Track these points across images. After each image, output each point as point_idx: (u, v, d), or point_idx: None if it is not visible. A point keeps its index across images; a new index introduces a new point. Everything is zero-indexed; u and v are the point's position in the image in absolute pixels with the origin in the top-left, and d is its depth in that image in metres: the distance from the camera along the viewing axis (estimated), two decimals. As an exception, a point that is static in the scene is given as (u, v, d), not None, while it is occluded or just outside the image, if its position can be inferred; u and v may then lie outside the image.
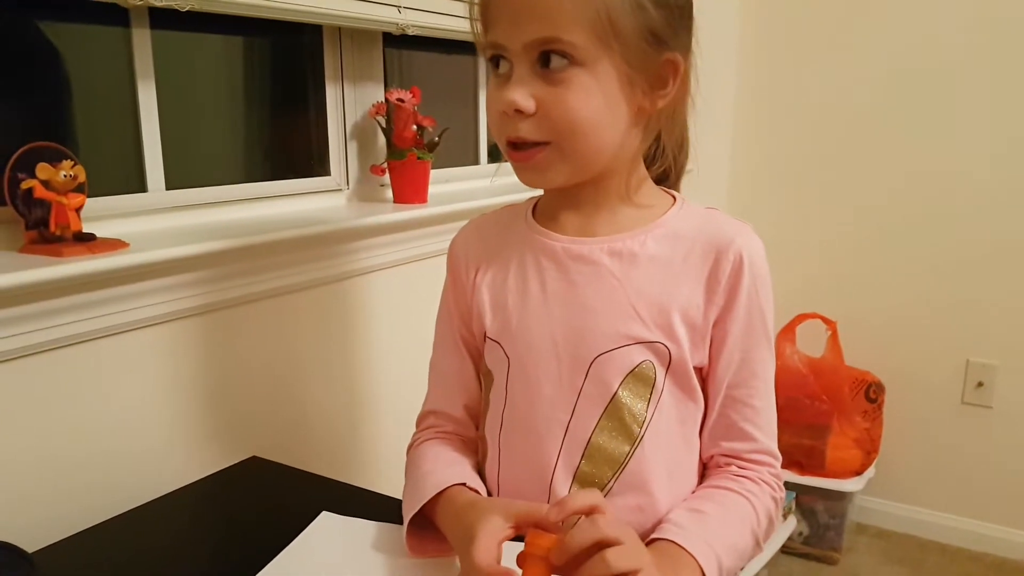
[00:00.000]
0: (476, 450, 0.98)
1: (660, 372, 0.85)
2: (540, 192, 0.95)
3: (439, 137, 1.56)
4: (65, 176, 1.00)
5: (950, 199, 2.45)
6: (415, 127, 1.51)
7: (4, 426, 0.97)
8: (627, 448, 0.85)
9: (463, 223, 1.62)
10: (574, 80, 0.77)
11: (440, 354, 1.02)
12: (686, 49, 0.83)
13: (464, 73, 1.90)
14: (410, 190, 1.53)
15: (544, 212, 0.93)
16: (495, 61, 0.82)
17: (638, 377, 0.84)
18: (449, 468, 0.91)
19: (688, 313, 0.84)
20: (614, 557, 0.67)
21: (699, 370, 0.87)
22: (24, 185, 0.98)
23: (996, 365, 2.48)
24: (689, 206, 0.90)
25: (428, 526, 0.87)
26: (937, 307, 2.53)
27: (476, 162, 1.94)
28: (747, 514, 0.85)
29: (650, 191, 0.90)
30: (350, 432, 1.47)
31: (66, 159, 1.01)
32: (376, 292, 1.48)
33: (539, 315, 0.88)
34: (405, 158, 1.51)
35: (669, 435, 0.87)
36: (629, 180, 0.87)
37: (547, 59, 0.77)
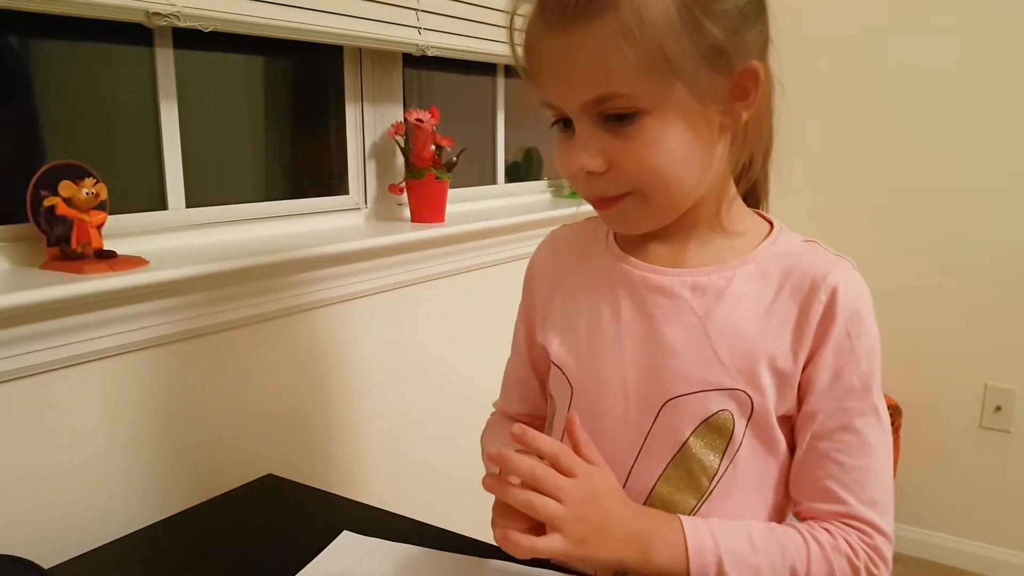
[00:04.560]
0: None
1: (740, 423, 0.77)
2: None
3: (457, 157, 1.57)
4: (87, 194, 1.01)
5: (969, 221, 2.44)
6: (433, 147, 1.52)
7: (25, 441, 0.97)
8: (693, 502, 0.79)
9: (481, 243, 1.65)
10: (641, 130, 0.71)
11: (512, 358, 1.02)
12: (762, 49, 0.75)
13: (483, 93, 1.91)
14: (428, 209, 1.54)
15: (627, 236, 0.86)
16: (555, 118, 0.76)
17: (713, 427, 0.78)
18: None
19: (775, 359, 0.76)
20: (541, 505, 0.69)
21: (788, 419, 0.80)
22: (47, 202, 0.99)
23: (1015, 390, 2.45)
24: (786, 236, 0.82)
25: None
26: (955, 331, 2.51)
27: (494, 182, 1.94)
28: (794, 550, 0.76)
29: (742, 215, 0.83)
30: (366, 450, 1.47)
31: (88, 177, 1.02)
32: (394, 311, 1.48)
33: (610, 348, 0.82)
34: (423, 178, 1.51)
35: (744, 491, 0.80)
36: (720, 204, 0.80)
37: (610, 116, 0.71)
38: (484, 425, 1.04)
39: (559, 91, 0.73)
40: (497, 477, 0.72)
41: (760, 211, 0.86)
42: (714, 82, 0.71)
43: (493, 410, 1.06)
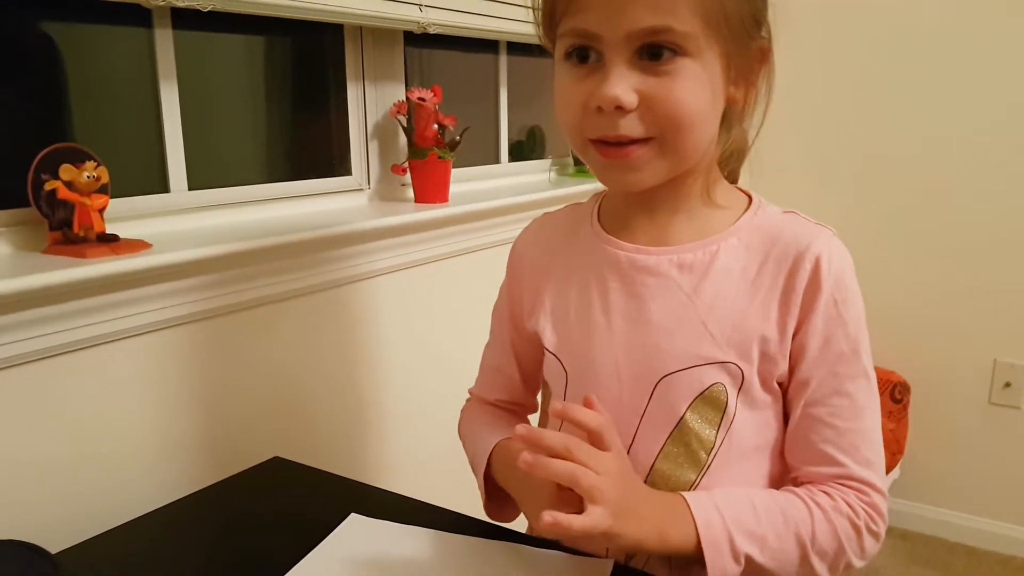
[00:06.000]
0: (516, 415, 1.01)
1: (732, 395, 0.78)
2: (603, 188, 0.88)
3: (460, 136, 1.55)
4: (88, 177, 1.01)
5: (976, 195, 2.41)
6: (436, 126, 1.51)
7: (29, 426, 0.97)
8: (693, 476, 0.80)
9: (484, 223, 1.63)
10: (682, 72, 0.70)
11: (491, 345, 1.03)
12: (770, 33, 0.77)
13: (485, 71, 1.89)
14: (431, 189, 1.53)
15: (612, 216, 0.87)
16: (572, 51, 0.74)
17: (708, 400, 0.78)
18: (494, 432, 0.92)
19: (764, 329, 0.77)
20: (583, 474, 0.69)
21: (780, 388, 0.81)
22: (48, 186, 0.99)
23: (1024, 365, 2.44)
24: (766, 209, 0.83)
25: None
26: (964, 306, 2.49)
27: (497, 161, 1.93)
28: (798, 516, 0.76)
29: (725, 190, 0.84)
30: (372, 432, 1.47)
31: (89, 160, 1.02)
32: (398, 292, 1.47)
33: (600, 331, 0.83)
34: (426, 157, 1.50)
35: (740, 462, 0.81)
36: (708, 179, 0.81)
37: (651, 50, 0.70)
38: (461, 412, 1.05)
39: (606, 16, 0.70)
40: (532, 455, 0.71)
41: (738, 186, 0.87)
42: (743, 50, 0.74)
43: (468, 396, 1.07)
